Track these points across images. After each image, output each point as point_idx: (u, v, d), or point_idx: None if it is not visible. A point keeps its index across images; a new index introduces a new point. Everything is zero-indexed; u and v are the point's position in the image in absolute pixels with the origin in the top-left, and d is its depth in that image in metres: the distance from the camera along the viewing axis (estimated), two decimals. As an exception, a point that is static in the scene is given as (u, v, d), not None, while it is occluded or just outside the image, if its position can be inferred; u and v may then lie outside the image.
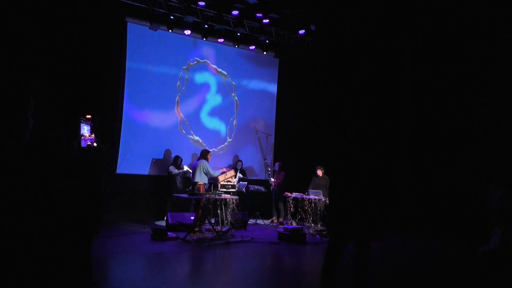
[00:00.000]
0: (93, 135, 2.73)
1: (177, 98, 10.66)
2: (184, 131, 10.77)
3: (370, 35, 10.78)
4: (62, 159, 2.29)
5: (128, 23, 9.87)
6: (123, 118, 9.78)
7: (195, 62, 11.00)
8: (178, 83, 10.67)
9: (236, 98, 11.71)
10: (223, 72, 11.47)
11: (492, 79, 8.98)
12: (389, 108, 10.73)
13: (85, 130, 2.73)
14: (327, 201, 7.43)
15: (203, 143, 10.91)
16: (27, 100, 1.75)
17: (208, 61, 11.21)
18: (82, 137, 2.65)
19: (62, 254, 2.06)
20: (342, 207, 3.72)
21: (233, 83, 11.66)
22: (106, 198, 9.12)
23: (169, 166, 9.78)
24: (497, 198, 5.92)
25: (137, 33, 10.02)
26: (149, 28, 9.91)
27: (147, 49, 10.17)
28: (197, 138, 10.94)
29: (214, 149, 11.13)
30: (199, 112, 11.07)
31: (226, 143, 11.50)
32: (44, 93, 7.69)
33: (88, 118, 2.80)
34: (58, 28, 8.45)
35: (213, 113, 11.32)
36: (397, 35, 10.52)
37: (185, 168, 9.73)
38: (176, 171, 9.63)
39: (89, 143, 2.64)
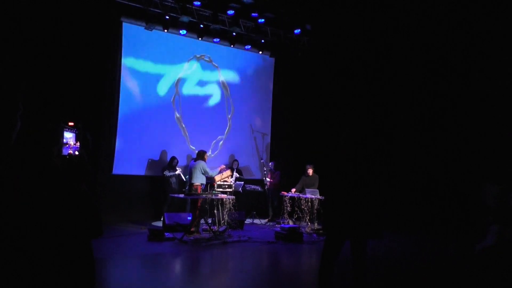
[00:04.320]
0: (77, 143, 2.69)
1: (172, 98, 10.63)
2: (180, 133, 10.74)
3: (366, 34, 10.79)
4: (44, 165, 2.27)
5: (123, 23, 9.83)
6: (118, 119, 9.74)
7: (190, 62, 10.96)
8: (173, 84, 10.64)
9: (232, 96, 11.69)
10: (220, 70, 11.44)
11: (489, 79, 9.01)
12: (385, 107, 10.75)
13: (69, 138, 2.69)
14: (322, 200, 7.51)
15: (200, 144, 10.88)
16: (17, 102, 1.75)
17: (204, 58, 11.19)
18: (67, 145, 2.61)
19: (53, 256, 2.05)
20: (339, 206, 3.72)
21: (230, 81, 11.64)
22: (99, 199, 9.06)
23: (164, 168, 9.77)
24: (494, 196, 5.95)
25: (132, 33, 9.98)
26: (144, 28, 9.88)
27: (142, 50, 10.14)
28: (192, 147, 10.90)
29: (214, 140, 11.13)
30: (195, 110, 11.03)
31: (223, 136, 11.47)
32: (38, 95, 7.64)
33: (71, 126, 2.75)
34: (52, 29, 8.39)
35: (210, 109, 11.29)
36: (393, 34, 10.54)
37: (178, 171, 9.69)
38: (169, 173, 9.60)
39: (70, 151, 2.60)
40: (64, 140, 2.61)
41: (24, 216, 2.03)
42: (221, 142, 11.45)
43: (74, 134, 2.70)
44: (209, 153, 10.35)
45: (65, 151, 2.58)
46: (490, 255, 5.67)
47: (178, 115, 10.71)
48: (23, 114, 1.79)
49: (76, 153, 2.62)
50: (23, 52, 7.87)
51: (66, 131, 2.66)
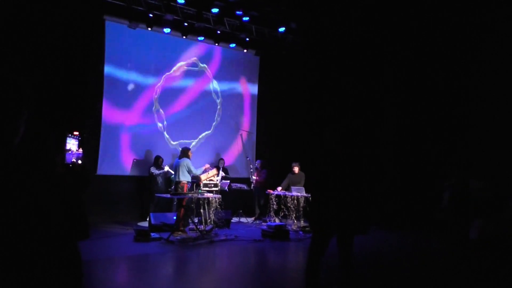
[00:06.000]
0: (80, 150, 2.69)
1: (156, 97, 10.55)
2: (165, 133, 10.66)
3: (352, 32, 10.86)
4: (46, 172, 2.24)
5: (106, 21, 9.71)
6: (102, 119, 9.62)
7: (177, 61, 10.89)
8: (158, 83, 10.56)
9: (218, 95, 11.65)
10: (205, 69, 11.41)
11: (468, 79, 9.18)
12: (370, 104, 10.84)
13: (72, 144, 2.68)
14: (309, 198, 7.56)
15: (183, 141, 10.83)
16: (21, 106, 1.72)
17: (189, 59, 11.12)
18: (70, 151, 2.60)
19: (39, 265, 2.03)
20: (325, 203, 3.74)
21: (215, 80, 11.60)
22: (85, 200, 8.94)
23: (150, 167, 9.68)
24: (476, 191, 6.08)
25: (115, 32, 9.87)
26: (128, 26, 9.78)
27: (125, 48, 10.03)
28: (176, 142, 10.82)
29: (199, 137, 11.11)
30: (181, 111, 10.96)
31: (205, 140, 11.41)
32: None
33: (76, 135, 2.75)
34: (34, 29, 8.24)
35: (195, 110, 11.23)
36: (379, 32, 10.63)
37: (166, 168, 9.62)
38: (157, 171, 9.53)
39: (73, 159, 2.59)
40: (67, 146, 2.60)
41: (15, 221, 2.00)
42: (201, 136, 11.35)
43: (77, 141, 2.69)
44: (193, 148, 10.30)
45: (69, 159, 2.57)
46: (473, 248, 5.78)
47: (162, 113, 10.62)
48: (28, 119, 1.75)
49: (79, 162, 2.61)
50: (27, 53, 7.74)
51: (69, 137, 2.64)
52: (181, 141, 10.84)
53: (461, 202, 6.22)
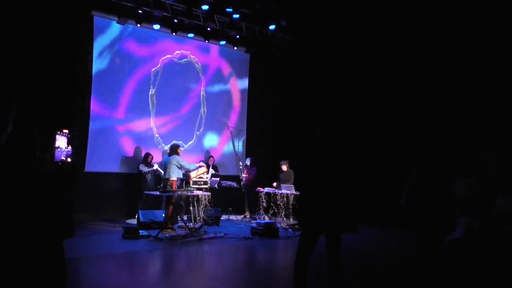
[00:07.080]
0: (69, 147, 2.66)
1: (146, 94, 10.49)
2: (154, 130, 10.61)
3: (342, 31, 10.89)
4: (33, 170, 2.22)
5: (94, 17, 9.62)
6: (90, 115, 9.53)
7: (166, 58, 10.83)
8: (147, 80, 10.49)
9: (208, 92, 11.62)
10: (195, 66, 11.36)
11: (461, 79, 9.27)
12: (360, 103, 10.89)
13: (61, 141, 2.65)
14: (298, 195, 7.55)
15: (173, 138, 10.78)
16: (10, 104, 1.70)
17: (179, 57, 11.06)
18: (58, 149, 2.58)
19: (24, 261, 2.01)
20: (314, 201, 3.75)
21: (205, 78, 11.57)
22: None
23: (139, 164, 9.61)
24: (463, 189, 6.14)
25: (104, 28, 9.79)
26: (116, 22, 9.71)
27: (114, 44, 9.95)
28: (165, 145, 10.78)
29: (189, 136, 11.04)
30: (170, 107, 10.92)
31: (194, 138, 11.38)
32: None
33: (65, 133, 2.72)
34: (21, 26, 8.12)
35: (185, 107, 11.19)
36: (369, 31, 10.67)
37: (155, 166, 9.57)
38: (146, 169, 9.46)
39: (63, 158, 2.57)
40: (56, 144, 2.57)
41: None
42: (191, 133, 11.32)
43: (66, 139, 2.66)
44: (183, 148, 10.27)
45: (58, 156, 2.54)
46: (459, 246, 5.85)
47: (151, 110, 10.56)
48: (16, 117, 1.74)
49: (69, 160, 2.58)
50: (15, 51, 7.63)
51: (58, 135, 2.62)
52: (171, 138, 10.80)
53: (423, 196, 6.23)
